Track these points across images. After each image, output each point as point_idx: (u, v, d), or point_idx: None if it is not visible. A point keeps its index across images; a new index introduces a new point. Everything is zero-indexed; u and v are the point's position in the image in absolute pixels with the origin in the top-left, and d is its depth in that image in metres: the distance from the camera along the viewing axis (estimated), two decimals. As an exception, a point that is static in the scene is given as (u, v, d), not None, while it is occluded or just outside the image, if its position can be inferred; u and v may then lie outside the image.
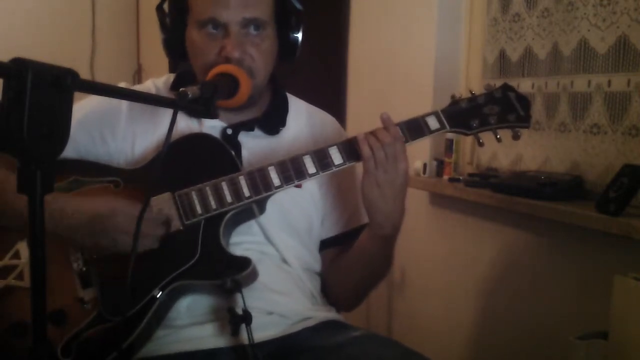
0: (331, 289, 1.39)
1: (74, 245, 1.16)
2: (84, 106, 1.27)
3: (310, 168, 1.19)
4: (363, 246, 1.30)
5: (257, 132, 1.30)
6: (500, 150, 1.98)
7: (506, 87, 1.26)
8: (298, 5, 1.27)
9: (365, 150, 1.17)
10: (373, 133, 1.19)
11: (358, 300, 1.42)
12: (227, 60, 1.18)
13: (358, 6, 2.62)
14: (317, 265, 1.36)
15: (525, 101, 1.26)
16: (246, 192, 1.17)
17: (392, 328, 2.46)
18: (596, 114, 1.64)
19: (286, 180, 1.18)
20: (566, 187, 1.64)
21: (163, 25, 1.27)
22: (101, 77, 3.65)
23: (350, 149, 1.20)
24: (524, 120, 1.25)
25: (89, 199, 1.15)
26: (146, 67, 3.91)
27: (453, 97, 1.27)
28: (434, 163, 2.15)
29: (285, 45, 1.28)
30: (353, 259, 1.33)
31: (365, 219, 1.36)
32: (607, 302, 1.32)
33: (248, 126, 1.29)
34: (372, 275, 1.36)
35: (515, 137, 1.26)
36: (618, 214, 1.42)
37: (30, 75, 0.68)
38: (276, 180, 1.18)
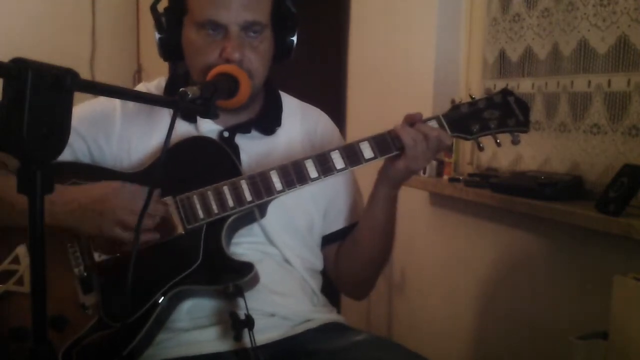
0: (342, 278, 1.40)
1: (77, 231, 1.14)
2: (77, 113, 1.25)
3: (312, 172, 1.19)
4: (375, 217, 1.31)
5: (253, 133, 1.30)
6: (500, 151, 1.98)
7: (506, 92, 1.27)
8: (293, 9, 1.28)
9: (408, 141, 1.19)
10: (415, 127, 1.20)
11: (371, 283, 1.43)
12: (227, 62, 1.18)
13: (358, 6, 2.62)
14: (318, 264, 1.36)
15: (524, 106, 1.27)
16: (248, 196, 1.17)
17: (392, 328, 2.46)
18: (596, 114, 1.64)
19: (288, 184, 1.18)
20: (566, 187, 1.63)
21: (159, 26, 1.26)
22: (101, 77, 3.64)
23: (352, 153, 1.21)
24: (523, 124, 1.26)
25: (89, 185, 1.15)
26: (146, 67, 3.91)
27: (453, 101, 1.28)
28: (434, 163, 2.14)
29: (280, 48, 1.29)
30: (364, 236, 1.33)
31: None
32: (607, 302, 1.32)
33: (245, 128, 1.29)
34: (384, 247, 1.35)
35: (515, 141, 1.27)
36: (618, 214, 1.42)
37: (30, 75, 0.68)
38: (278, 185, 1.18)
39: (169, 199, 1.16)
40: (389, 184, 1.27)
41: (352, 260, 1.36)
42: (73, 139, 1.23)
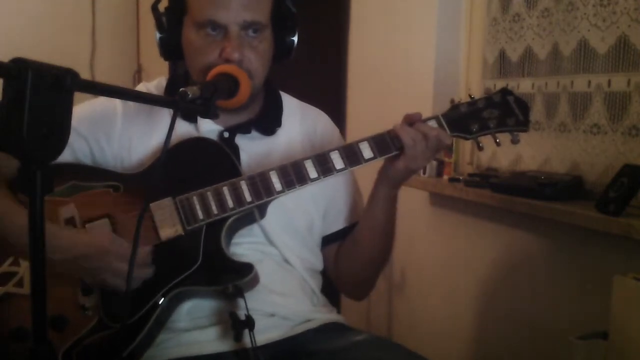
0: (343, 278, 1.39)
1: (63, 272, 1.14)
2: (78, 113, 1.25)
3: (312, 173, 1.19)
4: (375, 217, 1.31)
5: (253, 133, 1.30)
6: (500, 151, 1.98)
7: (505, 91, 1.27)
8: (293, 8, 1.28)
9: (408, 140, 1.18)
10: (414, 126, 1.20)
11: (371, 283, 1.42)
12: (227, 62, 1.18)
13: (358, 6, 2.62)
14: (318, 264, 1.36)
15: (524, 105, 1.26)
16: (248, 197, 1.17)
17: (392, 328, 2.46)
18: (596, 114, 1.64)
19: (288, 185, 1.18)
20: (566, 187, 1.63)
21: (159, 25, 1.26)
22: (101, 77, 3.64)
23: (351, 153, 1.20)
24: (523, 124, 1.26)
25: (82, 234, 1.15)
26: (146, 67, 3.91)
27: (452, 101, 1.28)
28: (434, 163, 2.14)
29: (280, 48, 1.28)
30: (364, 236, 1.33)
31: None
32: (607, 302, 1.32)
33: (245, 128, 1.29)
34: (384, 247, 1.36)
35: (514, 141, 1.27)
36: (618, 214, 1.42)
37: (30, 75, 0.67)
38: (278, 185, 1.17)
39: (168, 200, 1.16)
40: (389, 184, 1.27)
41: (352, 260, 1.36)
42: (74, 139, 1.22)
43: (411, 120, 1.22)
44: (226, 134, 1.27)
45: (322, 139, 1.37)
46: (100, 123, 1.27)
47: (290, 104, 1.39)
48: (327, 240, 1.38)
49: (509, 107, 1.25)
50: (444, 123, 1.24)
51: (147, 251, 1.14)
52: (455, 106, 1.26)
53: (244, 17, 1.18)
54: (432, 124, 1.23)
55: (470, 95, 1.28)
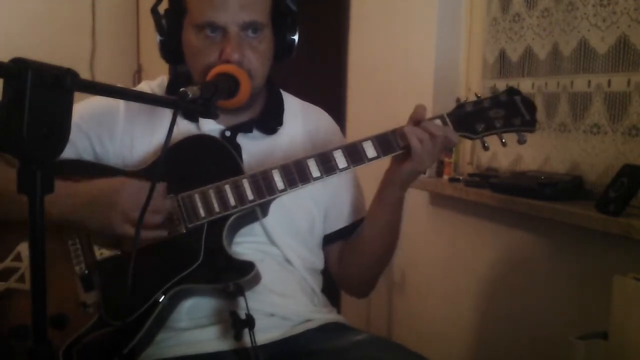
0: (346, 276, 1.40)
1: (82, 226, 1.13)
2: (81, 110, 1.26)
3: (315, 172, 1.19)
4: (381, 218, 1.31)
5: (255, 133, 1.30)
6: (500, 151, 1.98)
7: (512, 91, 1.25)
8: (293, 7, 1.27)
9: (415, 142, 1.18)
10: (420, 126, 1.19)
11: (374, 281, 1.43)
12: (227, 62, 1.18)
13: (358, 6, 2.62)
14: (319, 263, 1.36)
15: (530, 105, 1.25)
16: (250, 195, 1.16)
17: (392, 328, 2.46)
18: (596, 114, 1.64)
19: (290, 183, 1.18)
20: (566, 187, 1.63)
21: (159, 28, 1.26)
22: (101, 77, 3.64)
23: (355, 152, 1.20)
24: (530, 124, 1.24)
25: (94, 180, 1.14)
26: (146, 67, 3.91)
27: (458, 100, 1.27)
28: (434, 163, 2.15)
29: (281, 46, 1.28)
30: (370, 236, 1.34)
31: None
32: (607, 302, 1.32)
33: (246, 128, 1.29)
34: (390, 247, 1.37)
35: (521, 141, 1.25)
36: (618, 214, 1.42)
37: (30, 75, 0.67)
38: (280, 184, 1.17)
39: (170, 198, 1.16)
40: (396, 186, 1.26)
41: (355, 259, 1.37)
42: (76, 136, 1.23)
43: (417, 118, 1.21)
44: (228, 133, 1.27)
45: (324, 138, 1.37)
46: (103, 121, 1.27)
47: (292, 103, 1.39)
48: (329, 239, 1.38)
49: (516, 107, 1.24)
50: (449, 122, 1.23)
51: (162, 193, 1.13)
52: (460, 105, 1.25)
53: (243, 17, 1.18)
54: (437, 123, 1.22)
55: (476, 95, 1.26)
